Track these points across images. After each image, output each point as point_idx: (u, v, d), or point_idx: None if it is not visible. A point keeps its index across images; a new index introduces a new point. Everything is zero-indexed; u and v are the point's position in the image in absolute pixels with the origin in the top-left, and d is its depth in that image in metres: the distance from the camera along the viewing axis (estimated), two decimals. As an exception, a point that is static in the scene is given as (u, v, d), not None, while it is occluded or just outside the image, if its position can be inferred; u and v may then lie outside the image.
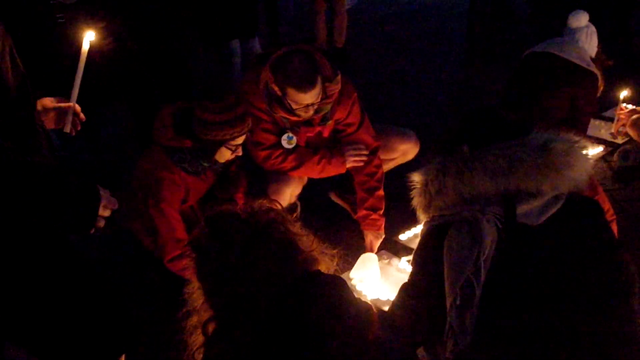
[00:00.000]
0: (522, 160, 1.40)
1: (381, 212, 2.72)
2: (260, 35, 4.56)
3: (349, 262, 2.76)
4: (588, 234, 1.46)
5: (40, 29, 2.73)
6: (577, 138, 1.49)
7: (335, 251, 1.47)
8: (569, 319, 1.33)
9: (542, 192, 1.42)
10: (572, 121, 3.16)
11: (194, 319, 1.37)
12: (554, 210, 1.43)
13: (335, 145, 2.73)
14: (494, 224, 1.41)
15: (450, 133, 1.64)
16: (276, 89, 2.37)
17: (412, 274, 1.60)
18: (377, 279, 2.64)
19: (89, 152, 3.22)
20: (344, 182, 3.04)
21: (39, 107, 1.63)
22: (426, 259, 1.53)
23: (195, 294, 1.36)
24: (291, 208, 2.97)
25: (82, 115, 1.74)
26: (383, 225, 2.74)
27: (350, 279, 2.68)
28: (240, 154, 2.41)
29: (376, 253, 2.76)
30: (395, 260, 2.80)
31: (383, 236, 2.75)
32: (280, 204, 1.48)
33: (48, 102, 1.70)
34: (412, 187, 1.59)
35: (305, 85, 2.33)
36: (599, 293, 1.37)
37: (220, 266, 1.29)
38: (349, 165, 2.70)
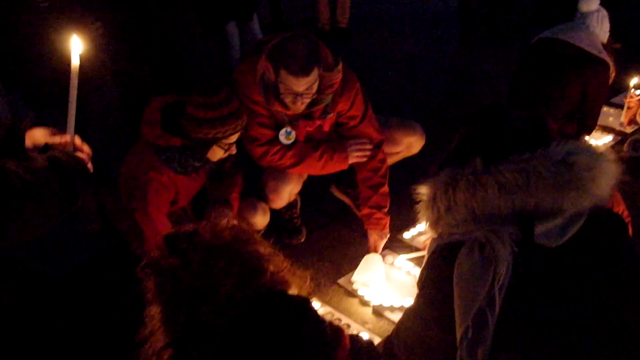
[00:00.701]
0: (541, 176, 1.25)
1: (386, 210, 2.57)
2: (260, 15, 4.37)
3: (352, 264, 2.63)
4: (615, 255, 1.31)
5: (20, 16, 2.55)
6: (601, 149, 1.35)
7: (307, 273, 1.41)
8: (597, 356, 1.19)
9: (562, 210, 1.27)
10: (583, 111, 3.00)
11: (150, 345, 1.29)
12: (575, 229, 1.28)
13: (337, 139, 2.57)
14: (509, 246, 1.26)
15: (460, 140, 1.48)
16: (271, 71, 2.19)
17: (418, 297, 1.46)
18: (381, 283, 2.51)
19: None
20: (346, 176, 2.88)
21: (28, 143, 1.41)
22: (433, 282, 1.39)
23: (155, 318, 1.28)
24: (291, 205, 2.83)
25: (86, 148, 1.48)
26: (388, 224, 2.59)
27: (352, 283, 2.55)
28: (234, 152, 2.25)
29: (380, 254, 2.62)
30: (400, 261, 2.66)
31: (388, 236, 2.61)
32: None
33: (39, 135, 1.45)
34: (419, 199, 1.44)
35: (299, 70, 2.15)
36: (631, 324, 1.23)
37: (176, 289, 1.22)
38: (352, 160, 2.55)
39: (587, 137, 3.28)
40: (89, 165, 1.44)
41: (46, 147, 1.39)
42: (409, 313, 1.49)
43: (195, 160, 2.19)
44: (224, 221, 1.32)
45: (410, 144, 2.81)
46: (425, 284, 1.43)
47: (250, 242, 1.30)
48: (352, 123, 2.53)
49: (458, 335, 1.28)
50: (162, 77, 3.06)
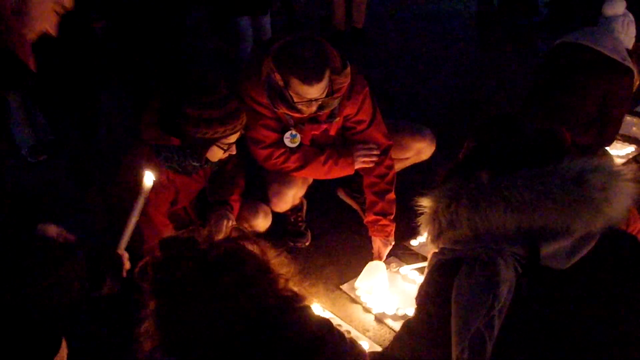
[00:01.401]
0: (551, 194, 1.18)
1: (392, 217, 2.51)
2: (273, 13, 4.33)
3: (356, 269, 2.58)
4: (627, 281, 1.23)
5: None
6: (619, 167, 1.26)
7: (310, 286, 1.38)
8: None
9: (571, 231, 1.20)
10: (604, 119, 2.88)
11: (144, 345, 1.28)
12: (585, 251, 1.22)
13: (344, 144, 2.51)
14: (512, 266, 1.19)
15: (467, 151, 1.42)
16: (278, 78, 2.14)
17: (416, 312, 1.40)
18: (384, 290, 2.45)
19: (83, 139, 3.06)
20: (354, 180, 2.82)
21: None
22: (431, 298, 1.33)
23: (149, 318, 1.26)
24: (296, 208, 2.79)
25: (127, 264, 1.56)
26: (393, 232, 2.53)
27: (355, 289, 2.50)
28: (234, 152, 2.20)
29: (385, 260, 2.57)
30: (405, 269, 2.60)
31: (393, 243, 2.55)
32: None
33: (52, 231, 1.51)
34: (420, 212, 1.38)
35: (311, 77, 2.09)
36: None
37: (163, 295, 1.21)
38: (357, 166, 2.49)
39: (607, 148, 3.18)
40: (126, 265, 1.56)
41: None
42: (405, 328, 1.44)
43: (194, 160, 2.15)
44: (224, 225, 1.29)
45: (419, 150, 2.75)
46: (423, 299, 1.37)
47: (248, 257, 1.26)
48: (359, 128, 2.47)
49: (453, 356, 1.22)
50: (168, 76, 3.03)
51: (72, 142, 3.03)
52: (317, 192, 2.98)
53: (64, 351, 1.42)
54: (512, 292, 1.18)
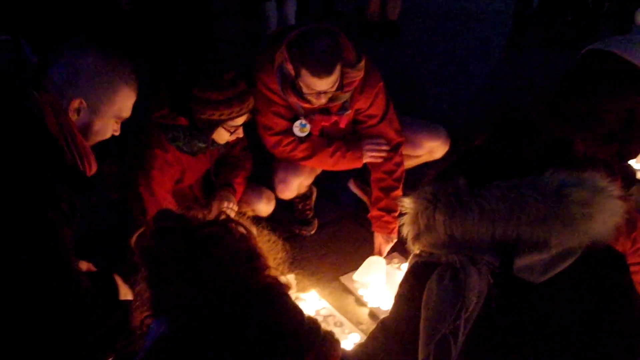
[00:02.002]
0: (526, 207, 1.16)
1: (396, 214, 2.50)
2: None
3: (358, 262, 2.58)
4: (604, 300, 1.21)
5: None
6: (604, 183, 1.21)
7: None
8: None
9: (549, 245, 1.18)
10: (628, 134, 2.77)
11: (139, 313, 1.35)
12: (562, 267, 1.19)
13: (354, 137, 2.51)
14: (485, 276, 1.18)
15: (456, 154, 1.41)
16: (290, 68, 2.15)
17: (390, 311, 1.41)
18: (381, 286, 2.46)
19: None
20: (366, 172, 2.82)
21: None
22: (403, 299, 1.34)
23: (143, 287, 1.32)
24: (304, 196, 2.80)
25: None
26: (396, 229, 2.52)
27: (354, 282, 2.51)
28: (240, 135, 2.23)
29: (387, 256, 2.57)
30: (406, 266, 2.59)
31: (395, 240, 2.53)
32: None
33: (84, 266, 1.69)
34: (403, 212, 1.38)
35: (321, 70, 2.10)
36: None
37: (153, 266, 1.27)
38: (366, 160, 2.48)
39: (631, 162, 3.07)
40: None
41: None
42: (379, 326, 1.45)
43: (201, 142, 2.18)
44: (224, 207, 1.33)
45: (432, 149, 2.72)
46: (397, 300, 1.38)
47: (235, 236, 1.30)
48: (370, 122, 2.46)
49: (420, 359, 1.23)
50: (193, 57, 3.06)
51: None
52: (329, 181, 2.99)
53: None
54: (481, 301, 1.18)
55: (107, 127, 1.59)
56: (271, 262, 1.37)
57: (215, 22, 3.23)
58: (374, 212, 2.52)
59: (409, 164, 2.69)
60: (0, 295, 1.33)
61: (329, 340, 1.35)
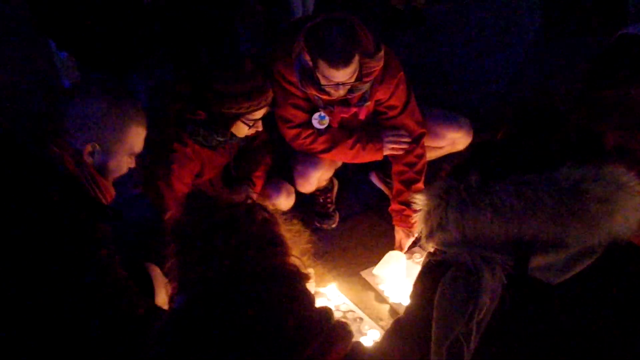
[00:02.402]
0: (542, 204, 1.10)
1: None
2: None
3: (379, 256, 2.54)
4: (628, 302, 1.14)
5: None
6: (626, 178, 1.14)
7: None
8: None
9: (566, 245, 1.12)
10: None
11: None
12: (581, 267, 1.14)
13: (373, 128, 2.46)
14: (499, 276, 1.13)
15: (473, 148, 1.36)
16: (308, 59, 2.11)
17: (405, 311, 1.37)
18: (401, 281, 2.41)
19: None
20: (388, 164, 2.77)
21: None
22: (417, 298, 1.30)
23: (172, 268, 1.38)
24: (325, 189, 2.77)
25: None
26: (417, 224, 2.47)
27: (374, 277, 2.47)
28: (260, 129, 2.21)
29: (408, 251, 2.52)
30: (427, 261, 2.54)
31: (415, 235, 2.48)
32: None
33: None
34: (416, 209, 1.33)
35: (339, 61, 2.05)
36: None
37: (179, 243, 1.35)
38: (386, 152, 2.44)
39: None
40: None
41: None
42: (394, 325, 1.41)
43: (219, 135, 2.17)
44: (244, 196, 1.39)
45: (454, 140, 2.64)
46: (411, 299, 1.34)
47: (258, 222, 1.34)
48: (391, 113, 2.41)
49: (432, 362, 1.19)
50: (214, 49, 3.05)
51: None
52: (351, 173, 2.95)
53: None
54: (496, 303, 1.13)
55: (122, 164, 1.70)
56: (295, 251, 1.40)
57: (237, 11, 3.20)
58: (394, 206, 2.48)
59: (431, 155, 2.63)
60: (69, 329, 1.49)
61: (337, 331, 1.32)
